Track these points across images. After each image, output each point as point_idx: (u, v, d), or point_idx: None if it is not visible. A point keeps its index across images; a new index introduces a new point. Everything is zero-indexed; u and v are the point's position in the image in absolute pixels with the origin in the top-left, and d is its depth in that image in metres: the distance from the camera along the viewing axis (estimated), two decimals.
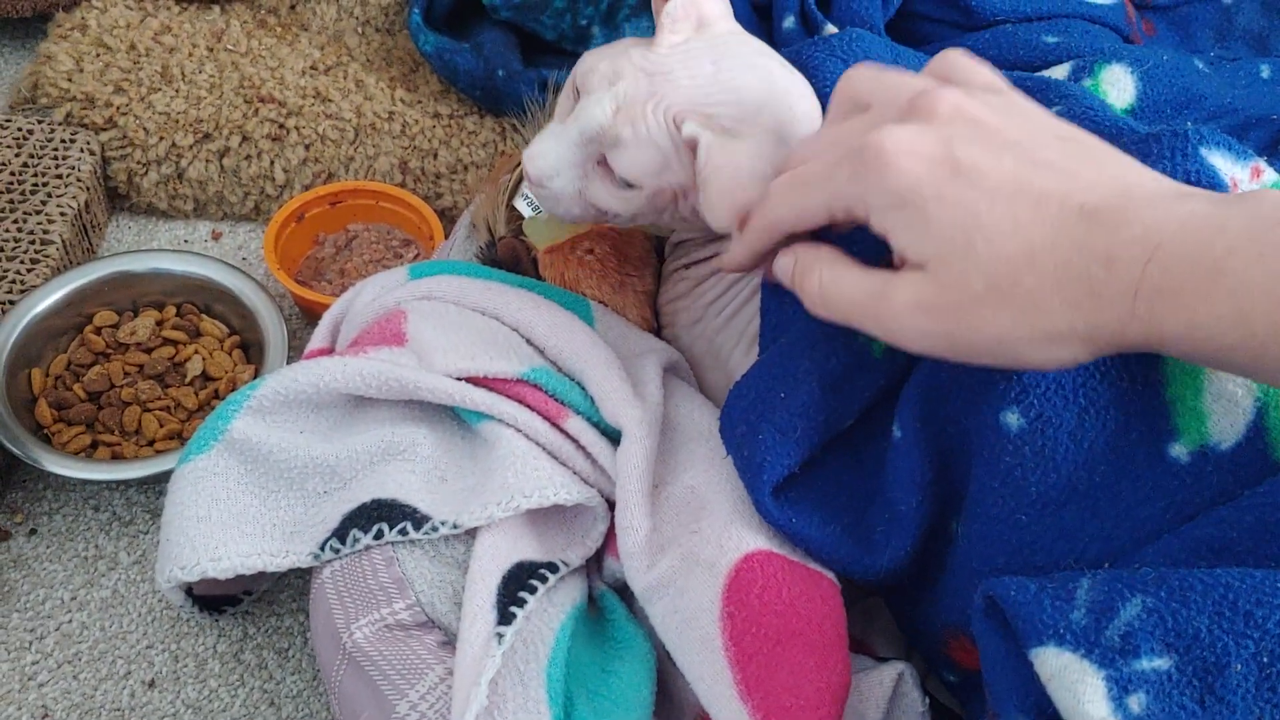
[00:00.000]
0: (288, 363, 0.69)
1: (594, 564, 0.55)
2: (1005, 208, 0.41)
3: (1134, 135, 0.52)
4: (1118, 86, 0.65)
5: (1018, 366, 0.43)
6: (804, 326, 0.54)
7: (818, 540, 0.51)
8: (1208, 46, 0.80)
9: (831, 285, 0.45)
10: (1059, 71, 0.67)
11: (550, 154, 0.55)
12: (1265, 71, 0.74)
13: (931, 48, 0.71)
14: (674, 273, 0.65)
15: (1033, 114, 0.44)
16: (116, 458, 0.67)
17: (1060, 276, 0.40)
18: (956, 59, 0.47)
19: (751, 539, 0.49)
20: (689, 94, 0.52)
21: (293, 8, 0.87)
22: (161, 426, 0.68)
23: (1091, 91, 0.62)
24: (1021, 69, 0.67)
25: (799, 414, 0.51)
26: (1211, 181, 0.49)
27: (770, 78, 0.54)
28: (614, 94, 0.53)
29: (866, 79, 0.47)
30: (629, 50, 0.54)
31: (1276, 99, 0.72)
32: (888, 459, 0.52)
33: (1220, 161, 0.50)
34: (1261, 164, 0.52)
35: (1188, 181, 0.48)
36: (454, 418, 0.57)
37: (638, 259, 0.66)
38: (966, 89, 0.44)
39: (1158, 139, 0.50)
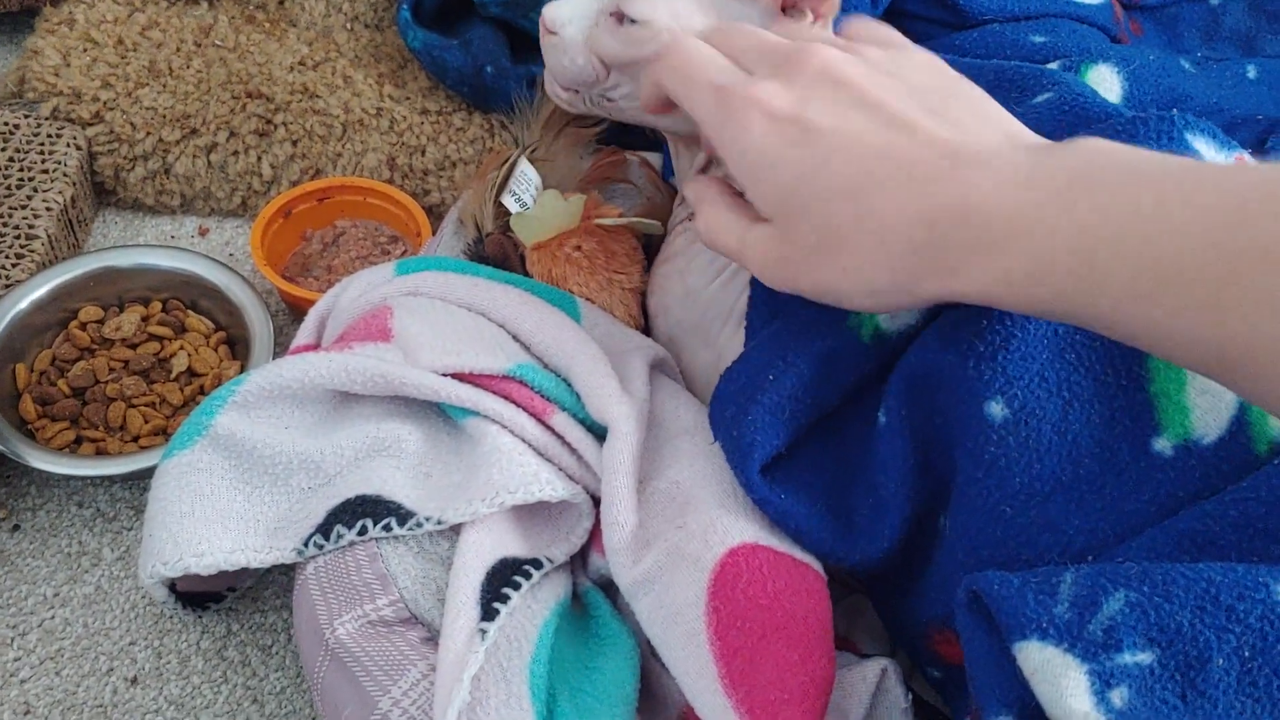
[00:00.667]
0: (274, 359, 0.69)
1: (579, 560, 0.55)
2: (841, 167, 0.43)
3: (1121, 118, 0.52)
4: (1104, 85, 0.65)
5: (853, 309, 0.46)
6: (794, 310, 0.54)
7: (803, 520, 0.52)
8: (1195, 47, 0.80)
9: (713, 223, 0.50)
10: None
11: (567, 4, 0.59)
12: (1251, 72, 0.74)
13: (922, 46, 0.71)
14: (678, 225, 0.65)
15: (919, 72, 0.46)
16: (101, 453, 0.66)
17: (884, 237, 0.42)
18: (861, 22, 0.51)
19: (737, 533, 0.49)
20: None
21: (281, 3, 0.87)
22: (146, 422, 0.68)
23: (1080, 79, 0.62)
24: None
25: (788, 395, 0.52)
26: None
27: None
28: None
29: (780, 30, 0.51)
30: None
31: (1263, 99, 0.73)
32: (873, 444, 0.52)
33: (1204, 147, 0.50)
34: (1245, 155, 0.52)
35: None
36: (440, 414, 0.56)
37: (625, 256, 0.66)
38: (854, 49, 0.47)
39: (1144, 121, 0.50)
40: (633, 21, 0.57)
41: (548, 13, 0.60)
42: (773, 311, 0.57)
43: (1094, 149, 0.40)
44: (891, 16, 0.72)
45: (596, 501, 0.54)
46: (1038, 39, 0.69)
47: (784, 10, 0.57)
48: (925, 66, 0.47)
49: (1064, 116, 0.55)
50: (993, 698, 0.40)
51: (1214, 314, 0.36)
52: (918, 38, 0.72)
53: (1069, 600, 0.39)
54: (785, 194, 0.45)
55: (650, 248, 0.68)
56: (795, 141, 0.44)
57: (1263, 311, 0.35)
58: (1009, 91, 0.58)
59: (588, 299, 0.64)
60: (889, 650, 0.56)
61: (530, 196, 0.66)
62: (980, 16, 0.71)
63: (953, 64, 0.62)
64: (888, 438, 0.51)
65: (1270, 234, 0.35)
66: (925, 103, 0.44)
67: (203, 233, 0.81)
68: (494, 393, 0.55)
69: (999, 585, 0.40)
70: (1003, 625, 0.39)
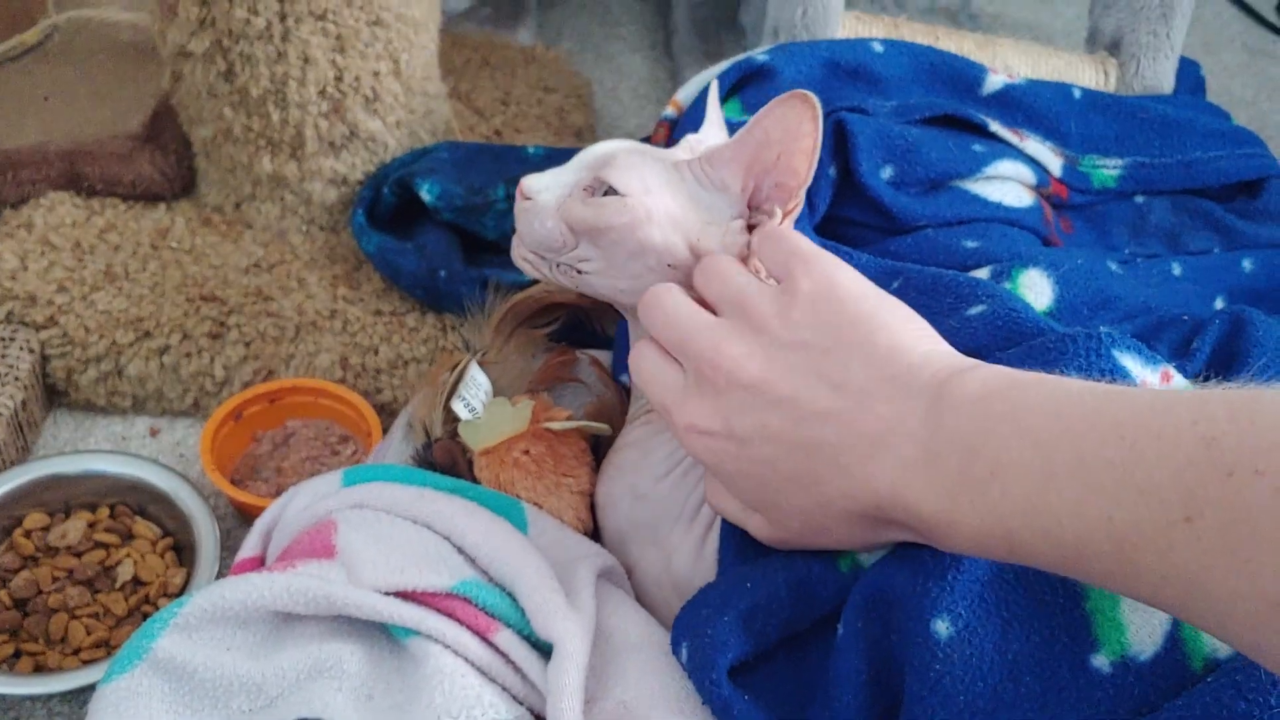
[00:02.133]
0: (220, 566, 0.69)
1: None
2: (782, 468, 0.50)
3: (1053, 335, 0.54)
4: (1035, 290, 0.67)
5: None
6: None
7: None
8: (1123, 243, 0.83)
9: (719, 504, 0.56)
10: (979, 275, 0.69)
11: (545, 176, 0.63)
12: (1176, 269, 0.77)
13: (857, 250, 0.73)
14: (640, 415, 0.66)
15: (815, 322, 0.50)
16: (40, 668, 0.65)
17: (845, 517, 0.49)
18: (765, 240, 0.56)
19: None
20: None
21: (238, 206, 0.89)
22: (89, 634, 0.67)
23: (1012, 293, 0.64)
24: None
25: (762, 607, 0.53)
26: (1125, 381, 0.51)
27: None
28: (615, 142, 0.64)
29: (713, 281, 0.56)
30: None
31: (1188, 295, 0.75)
32: (831, 656, 0.52)
33: (1131, 363, 0.52)
34: (1170, 369, 0.54)
35: (1103, 378, 0.50)
36: (384, 632, 0.56)
37: (573, 459, 0.67)
38: (753, 317, 0.52)
39: (1074, 339, 0.53)
40: (608, 191, 0.59)
41: (525, 181, 0.62)
42: (751, 545, 0.58)
43: (987, 391, 0.45)
44: (828, 222, 0.74)
45: None
46: (970, 244, 0.72)
47: (750, 208, 0.59)
48: (818, 310, 0.51)
49: (998, 331, 0.57)
50: None
51: (1124, 581, 0.40)
52: (853, 242, 0.75)
53: None
54: (754, 497, 0.52)
55: (599, 449, 0.69)
56: (734, 456, 0.51)
57: (1152, 580, 0.39)
58: (944, 299, 0.60)
59: (535, 503, 0.64)
60: None
61: (480, 402, 0.67)
62: (914, 222, 0.73)
63: (892, 269, 0.65)
64: (844, 652, 0.51)
65: (1130, 516, 0.39)
66: (827, 375, 0.49)
67: (154, 433, 0.82)
68: (438, 610, 0.54)
69: None
70: None
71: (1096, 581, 0.42)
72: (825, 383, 0.48)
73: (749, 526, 0.54)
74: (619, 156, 0.61)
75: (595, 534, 0.66)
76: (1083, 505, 0.39)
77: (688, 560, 0.60)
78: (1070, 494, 0.40)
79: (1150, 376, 0.53)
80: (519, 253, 0.64)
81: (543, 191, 0.62)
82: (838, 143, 0.73)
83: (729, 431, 0.50)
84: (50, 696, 0.64)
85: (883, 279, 0.63)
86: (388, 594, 0.54)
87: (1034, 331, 0.56)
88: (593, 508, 0.67)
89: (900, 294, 0.61)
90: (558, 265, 0.63)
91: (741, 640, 0.52)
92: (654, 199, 0.59)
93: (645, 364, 0.56)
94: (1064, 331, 0.54)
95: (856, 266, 0.64)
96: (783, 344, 0.50)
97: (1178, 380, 0.54)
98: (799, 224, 0.71)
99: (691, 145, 0.66)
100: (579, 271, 0.62)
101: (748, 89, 0.78)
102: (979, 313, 0.58)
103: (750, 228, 0.60)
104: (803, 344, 0.50)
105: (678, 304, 0.55)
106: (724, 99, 0.78)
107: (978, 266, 0.70)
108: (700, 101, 0.77)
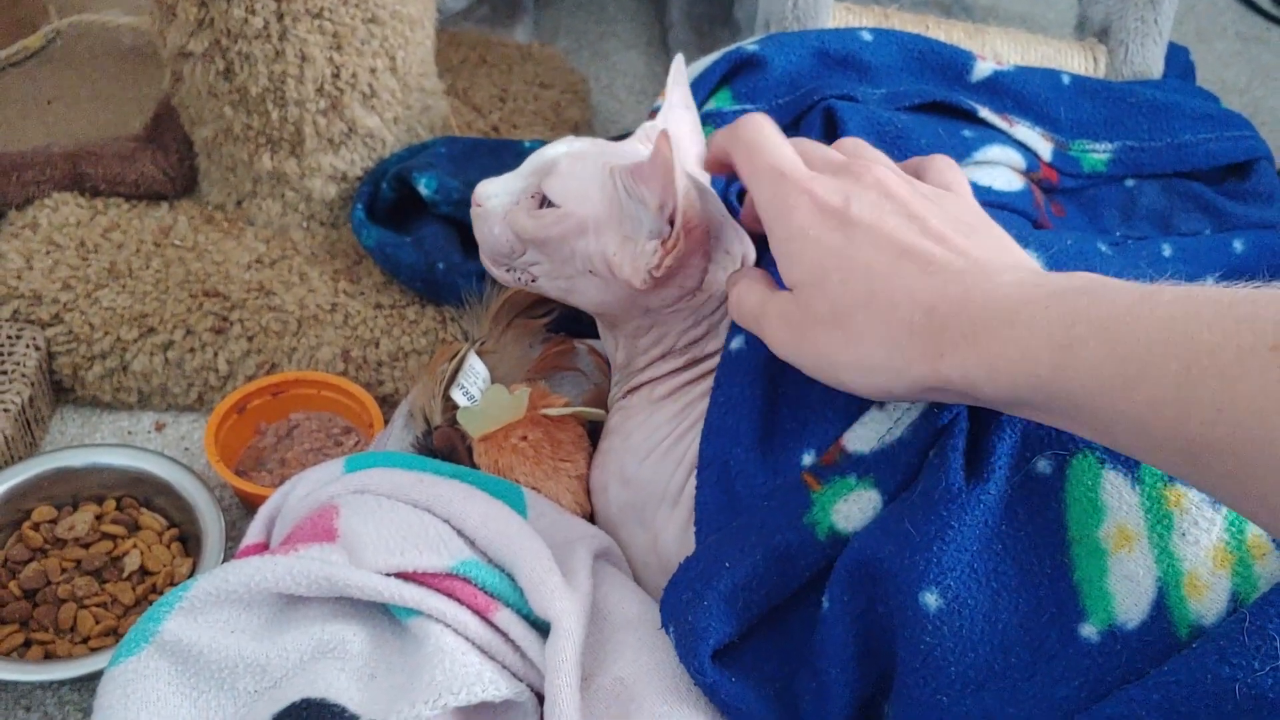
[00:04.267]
0: (225, 555, 0.70)
1: None
2: (866, 253, 0.49)
3: None
4: None
5: (839, 386, 0.50)
6: (752, 508, 0.56)
7: (750, 707, 0.52)
8: (1114, 226, 0.84)
9: (742, 293, 0.55)
10: None
11: (498, 181, 0.64)
12: (1167, 250, 0.78)
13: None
14: (617, 401, 0.67)
15: (959, 206, 0.52)
16: (49, 656, 0.66)
17: (887, 317, 0.47)
18: (928, 159, 0.58)
19: None
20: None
21: (239, 204, 0.90)
22: (97, 623, 0.68)
23: None
24: None
25: (741, 585, 0.53)
26: None
27: None
28: (568, 142, 0.64)
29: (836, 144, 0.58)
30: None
31: (1180, 276, 0.75)
32: (817, 630, 0.53)
33: None
34: None
35: None
36: (386, 613, 0.57)
37: (570, 444, 0.68)
38: (909, 178, 0.53)
39: None
40: (548, 204, 0.61)
41: (478, 187, 0.64)
42: (727, 510, 0.58)
43: (1091, 276, 0.46)
44: None
45: (542, 699, 0.54)
46: None
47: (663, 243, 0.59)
48: (966, 205, 0.53)
49: None
50: None
51: (1176, 410, 0.39)
52: None
53: None
54: (810, 267, 0.50)
55: (596, 436, 0.70)
56: (833, 227, 0.50)
57: (1207, 412, 0.38)
58: None
59: (534, 488, 0.65)
60: None
61: (478, 390, 0.68)
62: None
63: None
64: (830, 624, 0.52)
65: (1215, 338, 0.38)
66: (958, 227, 0.50)
67: (159, 428, 0.83)
68: (438, 590, 0.55)
69: None
70: None
71: (1122, 419, 0.41)
72: (955, 228, 0.50)
73: (763, 315, 0.53)
74: (561, 164, 0.62)
75: (593, 518, 0.67)
76: (1171, 324, 0.39)
77: (674, 540, 0.61)
78: (1141, 322, 0.40)
79: None
80: (484, 262, 0.66)
81: (492, 198, 0.63)
82: (828, 130, 0.74)
83: (843, 209, 0.50)
84: (60, 683, 0.65)
85: None
86: (389, 575, 0.55)
87: None
88: (590, 493, 0.68)
89: None
90: (519, 272, 0.65)
91: (723, 623, 0.53)
92: (589, 209, 0.60)
93: (766, 133, 0.55)
94: None
95: None
96: (927, 195, 0.52)
97: None
98: None
99: (648, 132, 0.67)
100: (533, 278, 0.64)
101: (738, 79, 0.79)
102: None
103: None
104: (943, 205, 0.52)
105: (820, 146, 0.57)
106: (715, 89, 0.79)
107: None
108: (691, 92, 0.78)
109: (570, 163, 0.61)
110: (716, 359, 0.63)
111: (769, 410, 0.58)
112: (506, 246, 0.63)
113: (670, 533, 0.61)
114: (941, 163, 0.57)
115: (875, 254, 0.49)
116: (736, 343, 0.60)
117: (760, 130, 0.55)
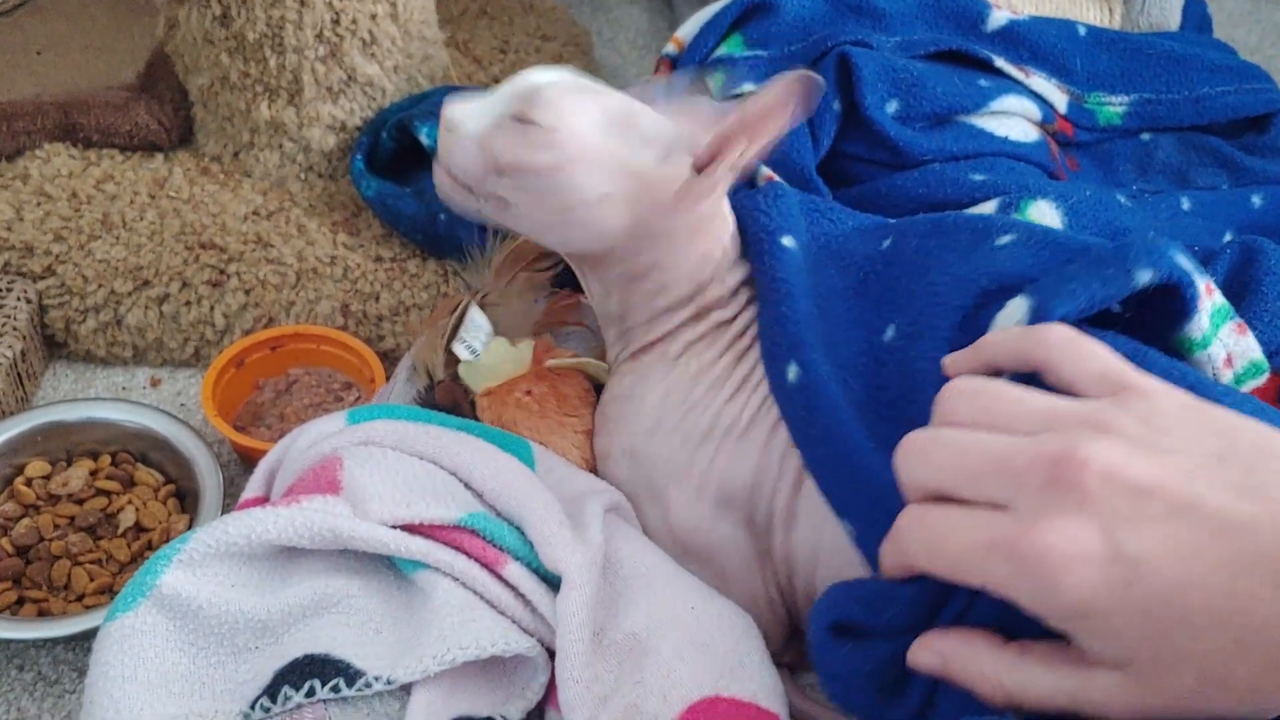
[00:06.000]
0: (223, 511, 0.68)
1: (535, 716, 0.54)
2: (1200, 600, 0.37)
3: (1103, 247, 0.52)
4: (1044, 220, 0.67)
5: None
6: None
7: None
8: (1130, 180, 0.82)
9: (1023, 687, 0.42)
10: (987, 207, 0.69)
11: (472, 101, 0.58)
12: (1185, 204, 0.76)
13: (862, 187, 0.72)
14: (622, 363, 0.65)
15: (1181, 425, 0.41)
16: (43, 614, 0.65)
17: (1274, 659, 0.37)
18: (1065, 348, 0.44)
19: (695, 687, 0.49)
20: None
21: (236, 155, 0.88)
22: (92, 580, 0.66)
23: (1033, 222, 0.63)
24: (950, 206, 0.69)
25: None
26: (1187, 285, 0.49)
27: None
28: (552, 70, 0.59)
29: (983, 399, 0.44)
30: None
31: (1197, 229, 0.75)
32: None
33: (1189, 266, 0.50)
34: (1211, 283, 0.53)
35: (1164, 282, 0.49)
36: (390, 567, 0.56)
37: (576, 399, 0.66)
38: (1100, 419, 0.41)
39: (1131, 247, 0.50)
40: (535, 124, 0.57)
41: (449, 107, 0.58)
42: None
43: None
44: (833, 157, 0.74)
45: (553, 654, 0.53)
46: (977, 177, 0.71)
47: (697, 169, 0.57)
48: (1179, 414, 0.41)
49: (1040, 253, 0.54)
50: None
51: None
52: (859, 178, 0.74)
53: None
54: (1141, 642, 0.39)
55: (603, 390, 0.68)
56: (1128, 582, 0.38)
57: None
58: (959, 237, 0.59)
59: (540, 443, 0.63)
60: None
61: (480, 343, 0.66)
62: (920, 157, 0.73)
63: (881, 227, 0.63)
64: None
65: None
66: (1222, 474, 0.39)
67: (154, 384, 0.81)
68: (445, 543, 0.54)
69: None
70: None
71: None
72: (1223, 480, 0.39)
73: (1083, 703, 0.41)
74: (555, 85, 0.58)
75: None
76: None
77: (685, 514, 0.60)
78: None
79: (1202, 281, 0.51)
80: (439, 181, 0.61)
81: (465, 121, 0.58)
82: (842, 77, 0.72)
83: (1115, 554, 0.38)
84: (54, 641, 0.63)
85: (874, 238, 0.62)
86: (394, 527, 0.54)
87: (1079, 248, 0.54)
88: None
89: (897, 248, 0.60)
90: (484, 201, 0.60)
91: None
92: (587, 137, 0.57)
93: (934, 517, 0.43)
94: (1115, 243, 0.52)
95: (848, 230, 0.63)
96: (1152, 444, 0.40)
97: (1217, 295, 0.53)
98: (803, 155, 0.70)
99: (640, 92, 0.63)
100: (502, 206, 0.59)
101: (750, 24, 0.77)
102: (1011, 240, 0.56)
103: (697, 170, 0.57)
104: (1175, 441, 0.40)
105: (992, 388, 0.44)
106: (725, 34, 0.77)
107: (985, 199, 0.69)
108: (701, 38, 0.76)
109: (559, 90, 0.58)
110: (726, 309, 0.61)
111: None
112: (479, 171, 0.59)
113: (681, 505, 0.59)
114: (1080, 352, 0.44)
115: (1207, 594, 0.38)
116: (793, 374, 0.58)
117: (923, 517, 0.43)
